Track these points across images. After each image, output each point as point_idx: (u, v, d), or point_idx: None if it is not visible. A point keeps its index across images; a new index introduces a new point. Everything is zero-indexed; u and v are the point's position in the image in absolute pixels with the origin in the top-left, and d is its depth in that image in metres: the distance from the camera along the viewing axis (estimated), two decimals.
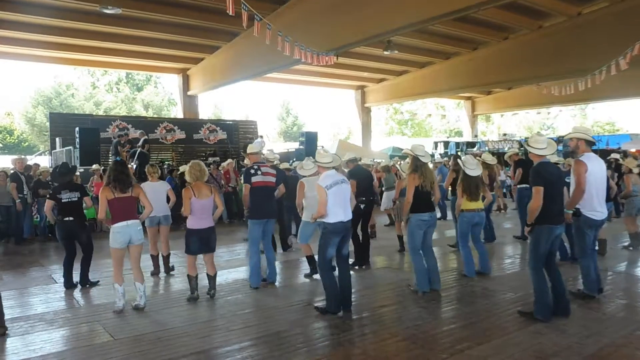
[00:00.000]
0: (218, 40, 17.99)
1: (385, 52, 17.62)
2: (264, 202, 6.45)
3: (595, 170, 5.31)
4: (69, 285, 6.56)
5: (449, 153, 23.44)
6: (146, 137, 16.11)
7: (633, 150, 18.70)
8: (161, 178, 8.76)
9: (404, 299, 5.95)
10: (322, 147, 18.50)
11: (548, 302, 4.90)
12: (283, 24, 12.04)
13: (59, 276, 7.32)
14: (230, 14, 8.85)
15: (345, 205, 5.28)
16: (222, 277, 7.11)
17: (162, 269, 7.32)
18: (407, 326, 4.89)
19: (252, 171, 6.43)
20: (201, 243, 5.87)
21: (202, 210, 5.82)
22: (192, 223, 5.86)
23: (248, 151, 7.00)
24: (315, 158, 5.55)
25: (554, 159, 7.55)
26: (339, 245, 5.31)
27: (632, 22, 12.98)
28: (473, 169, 6.70)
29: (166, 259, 7.29)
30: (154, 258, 7.27)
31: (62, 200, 6.50)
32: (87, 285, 6.64)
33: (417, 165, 5.91)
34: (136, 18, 15.27)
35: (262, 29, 9.93)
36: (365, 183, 7.70)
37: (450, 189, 8.92)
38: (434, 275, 6.11)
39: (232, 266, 7.80)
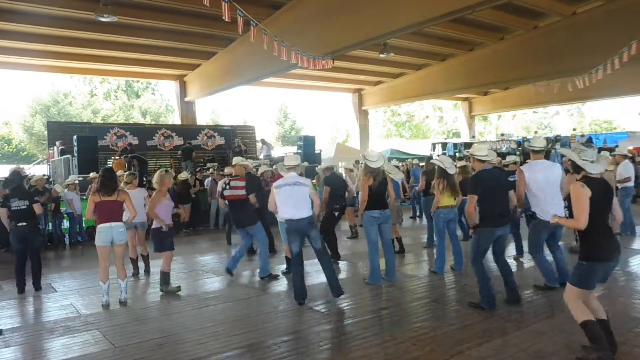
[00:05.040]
0: (214, 46, 18.03)
1: (382, 55, 17.65)
2: (234, 213, 7.39)
3: (536, 177, 5.78)
4: (21, 290, 6.91)
5: (447, 154, 23.45)
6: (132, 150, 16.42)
7: (630, 147, 18.70)
8: None
9: (403, 301, 5.97)
10: (325, 151, 18.51)
11: (490, 293, 5.33)
12: (279, 29, 12.08)
13: (59, 285, 7.38)
14: (226, 19, 8.89)
15: (295, 204, 5.83)
16: (223, 282, 7.14)
17: (141, 270, 7.86)
18: (407, 328, 4.90)
19: (224, 185, 7.39)
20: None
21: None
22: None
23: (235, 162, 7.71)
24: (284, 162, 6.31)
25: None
26: (308, 241, 5.94)
27: (627, 21, 13.05)
28: (450, 167, 7.08)
29: (146, 258, 7.83)
30: (133, 261, 7.76)
31: (12, 208, 6.94)
32: (41, 289, 7.03)
33: (368, 169, 6.52)
34: (132, 25, 15.31)
35: (258, 34, 9.96)
36: (338, 189, 8.43)
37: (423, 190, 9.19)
38: (391, 267, 6.77)
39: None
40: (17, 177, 7.45)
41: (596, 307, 3.94)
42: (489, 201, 5.27)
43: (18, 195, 6.97)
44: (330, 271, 5.95)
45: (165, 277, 6.64)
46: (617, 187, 8.56)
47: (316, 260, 8.06)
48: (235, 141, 19.31)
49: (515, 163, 8.99)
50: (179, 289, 6.64)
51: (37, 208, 7.07)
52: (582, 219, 3.79)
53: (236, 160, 7.76)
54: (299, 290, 5.83)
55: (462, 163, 9.86)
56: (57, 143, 16.30)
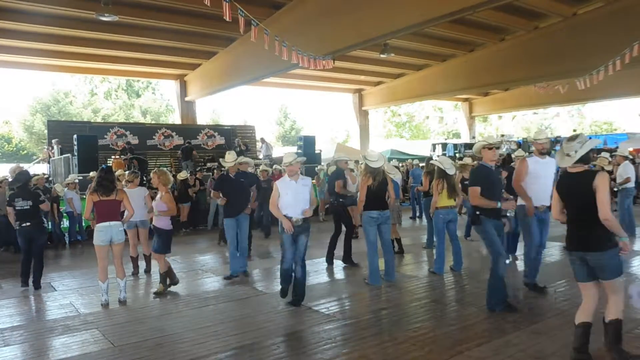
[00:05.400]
0: (215, 46, 18.04)
1: (382, 55, 17.64)
2: None
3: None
4: (25, 284, 7.08)
5: (447, 155, 23.44)
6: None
7: (631, 149, 18.69)
8: None
9: (402, 301, 5.97)
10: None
11: (499, 294, 5.26)
12: (280, 29, 12.08)
13: (58, 284, 7.38)
14: (227, 19, 8.90)
15: None
16: (222, 282, 7.14)
17: (141, 269, 7.81)
18: (406, 329, 4.90)
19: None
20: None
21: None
22: (166, 224, 6.59)
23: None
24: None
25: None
26: None
27: (627, 22, 13.05)
28: (449, 168, 7.10)
29: (148, 258, 7.76)
30: (133, 259, 7.76)
31: (16, 208, 7.02)
32: (41, 288, 7.03)
33: (369, 169, 6.54)
34: (133, 25, 15.32)
35: (259, 34, 9.96)
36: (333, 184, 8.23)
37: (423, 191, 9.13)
38: (390, 268, 6.76)
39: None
40: (23, 176, 7.50)
41: (610, 307, 3.86)
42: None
43: (22, 196, 7.04)
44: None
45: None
46: (614, 190, 8.52)
47: (315, 260, 8.11)
48: (235, 141, 19.31)
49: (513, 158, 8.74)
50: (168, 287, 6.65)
51: (45, 206, 7.23)
52: (552, 210, 4.02)
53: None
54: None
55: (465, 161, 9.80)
56: (54, 141, 16.29)
